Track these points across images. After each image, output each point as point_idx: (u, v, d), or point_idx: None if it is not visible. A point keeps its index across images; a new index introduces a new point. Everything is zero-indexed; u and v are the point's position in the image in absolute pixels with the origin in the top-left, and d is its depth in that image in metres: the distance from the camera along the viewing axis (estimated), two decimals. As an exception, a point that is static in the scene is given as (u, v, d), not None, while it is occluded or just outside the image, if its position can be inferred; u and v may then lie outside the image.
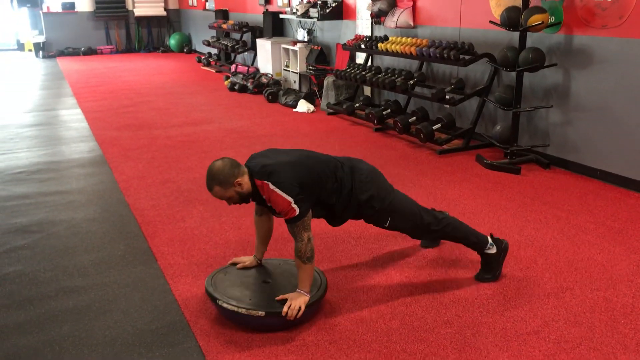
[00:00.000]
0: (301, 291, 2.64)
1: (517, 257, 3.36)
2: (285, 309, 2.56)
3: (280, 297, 2.64)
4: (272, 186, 2.56)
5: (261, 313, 2.57)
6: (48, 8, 15.07)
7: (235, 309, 2.58)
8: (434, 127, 5.71)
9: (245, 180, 2.62)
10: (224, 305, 2.61)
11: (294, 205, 2.55)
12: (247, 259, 3.01)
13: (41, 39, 14.89)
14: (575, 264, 3.27)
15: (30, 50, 15.57)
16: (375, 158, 5.23)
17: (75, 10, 15.14)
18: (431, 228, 2.98)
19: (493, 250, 3.04)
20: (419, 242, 3.56)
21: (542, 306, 2.83)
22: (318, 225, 3.62)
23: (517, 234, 3.68)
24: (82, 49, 15.05)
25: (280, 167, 2.61)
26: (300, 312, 2.58)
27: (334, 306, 2.85)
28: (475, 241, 3.04)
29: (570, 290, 2.98)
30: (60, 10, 15.08)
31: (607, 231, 3.71)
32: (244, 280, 2.85)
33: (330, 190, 2.74)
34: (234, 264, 3.01)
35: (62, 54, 14.94)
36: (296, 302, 2.59)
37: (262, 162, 2.64)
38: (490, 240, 3.06)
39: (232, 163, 2.63)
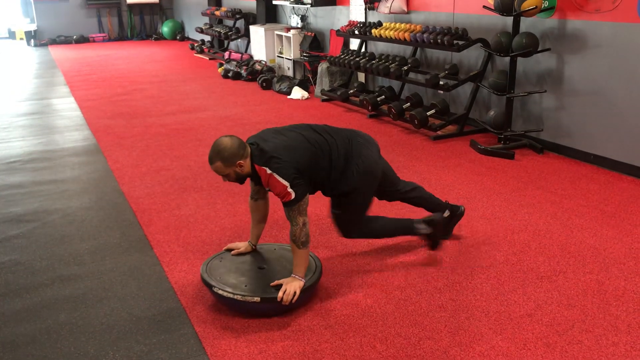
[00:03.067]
0: (296, 276, 2.66)
1: (511, 241, 3.39)
2: (280, 294, 2.58)
3: (275, 282, 2.67)
4: (269, 171, 2.61)
5: (257, 299, 2.59)
6: (39, -5, 14.94)
7: (231, 295, 2.60)
8: (428, 113, 5.71)
9: (247, 163, 2.66)
10: (220, 292, 2.63)
11: (290, 190, 2.60)
12: (242, 245, 3.03)
13: (33, 27, 14.77)
14: (568, 247, 3.30)
15: (21, 39, 15.44)
16: (370, 144, 5.24)
17: (67, -3, 15.01)
18: (358, 227, 3.02)
19: (446, 214, 3.30)
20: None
21: (535, 289, 2.86)
22: (313, 212, 3.64)
23: (510, 219, 3.70)
24: (75, 37, 14.94)
25: (277, 152, 2.64)
26: (295, 297, 2.60)
27: (329, 291, 2.87)
28: (406, 231, 3.16)
29: (563, 274, 3.01)
30: (51, -3, 14.94)
31: (600, 215, 3.74)
32: (239, 266, 2.87)
33: (323, 170, 2.79)
34: (229, 250, 3.02)
35: (54, 42, 14.83)
36: (291, 287, 2.61)
37: (262, 147, 2.67)
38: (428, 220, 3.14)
39: (240, 144, 2.65)
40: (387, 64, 6.28)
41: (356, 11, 7.57)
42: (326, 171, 2.79)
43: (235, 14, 10.67)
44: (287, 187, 2.59)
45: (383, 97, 6.47)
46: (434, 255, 3.23)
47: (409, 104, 6.08)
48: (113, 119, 6.65)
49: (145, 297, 2.88)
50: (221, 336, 2.54)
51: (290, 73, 8.84)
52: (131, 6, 15.56)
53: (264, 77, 8.42)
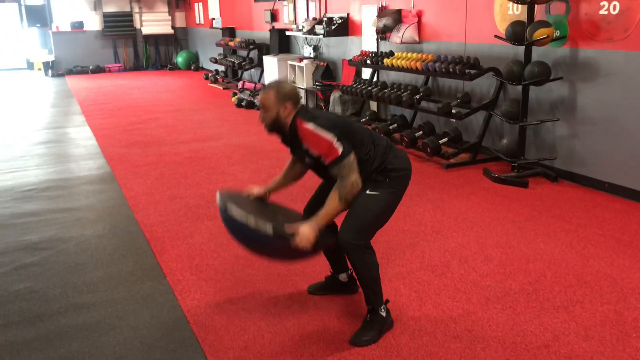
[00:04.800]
0: (313, 224, 2.51)
1: (526, 270, 3.35)
2: (297, 239, 2.46)
3: (292, 227, 2.50)
4: (312, 126, 2.52)
5: (269, 230, 2.43)
6: (57, 27, 15.27)
7: (244, 220, 2.44)
8: (441, 141, 5.72)
9: (290, 113, 2.60)
10: (234, 212, 2.46)
11: (336, 144, 2.48)
12: (257, 189, 2.93)
13: (50, 57, 15.07)
14: (584, 277, 3.26)
15: (39, 69, 15.73)
16: (383, 173, 5.24)
17: (84, 29, 15.33)
18: (360, 241, 2.61)
19: (384, 313, 2.73)
20: (424, 256, 3.56)
21: (552, 320, 2.82)
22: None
23: (525, 247, 3.67)
24: (91, 67, 15.21)
25: (325, 116, 2.61)
26: (309, 244, 2.48)
27: (342, 323, 2.85)
28: (376, 292, 2.71)
29: (580, 304, 2.96)
30: (69, 29, 15.26)
31: (617, 244, 3.69)
32: (256, 206, 2.75)
33: (361, 159, 2.63)
34: (246, 194, 2.92)
35: (70, 72, 15.10)
36: (306, 235, 2.48)
37: (311, 110, 2.67)
38: (384, 305, 2.76)
39: (297, 94, 2.65)
40: (399, 92, 6.32)
41: (368, 41, 7.65)
42: (367, 157, 2.63)
43: (249, 44, 10.82)
44: (332, 142, 2.48)
45: (395, 125, 6.50)
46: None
47: (421, 132, 6.09)
48: (128, 147, 6.72)
49: (158, 325, 2.87)
50: (234, 366, 2.52)
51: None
52: (147, 37, 15.84)
53: (277, 106, 8.49)
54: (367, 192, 2.62)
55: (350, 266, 2.85)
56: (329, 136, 2.50)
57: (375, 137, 2.70)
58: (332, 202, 2.55)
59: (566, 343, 2.62)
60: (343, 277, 3.08)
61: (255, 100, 9.10)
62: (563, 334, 2.70)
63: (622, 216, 4.18)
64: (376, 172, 2.64)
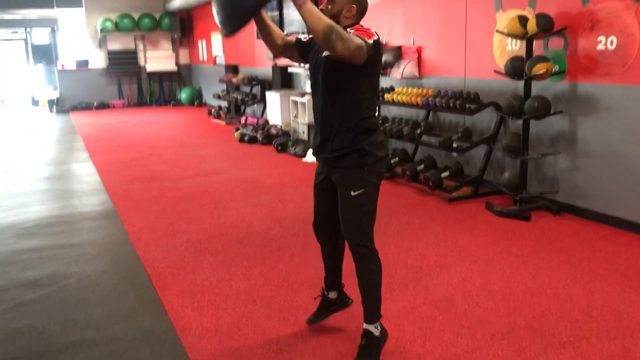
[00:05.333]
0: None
1: (531, 305, 3.32)
2: None
3: None
4: (373, 30, 2.49)
5: None
6: (63, 65, 15.49)
7: None
8: (443, 175, 5.73)
9: (352, 17, 2.56)
10: None
11: (372, 42, 2.43)
12: None
13: (55, 94, 15.24)
14: (590, 312, 3.22)
15: (44, 106, 15.91)
16: (385, 206, 5.24)
17: (89, 67, 15.55)
18: (367, 241, 2.68)
19: (377, 332, 2.73)
20: (427, 291, 3.53)
21: (558, 356, 2.77)
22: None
23: (529, 282, 3.64)
24: (95, 103, 15.36)
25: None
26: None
27: (346, 356, 2.81)
28: (376, 301, 2.74)
29: (587, 339, 2.92)
30: (74, 67, 15.48)
31: (621, 278, 3.66)
32: None
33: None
34: None
35: (75, 108, 15.25)
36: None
37: None
38: (379, 321, 2.77)
39: (366, 7, 2.60)
40: (400, 127, 6.36)
41: (369, 77, 7.73)
42: (369, 102, 2.62)
43: (252, 80, 10.96)
44: (373, 36, 2.44)
45: (397, 159, 6.52)
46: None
47: (423, 166, 6.11)
48: (130, 183, 6.74)
49: (159, 363, 2.83)
50: (235, 404, 2.48)
51: (305, 137, 8.97)
52: (151, 74, 16.05)
53: (280, 140, 8.55)
54: (352, 193, 2.63)
55: (357, 275, 2.80)
56: (374, 38, 2.45)
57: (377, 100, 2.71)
58: (327, 19, 2.36)
59: (573, 379, 2.58)
60: (333, 294, 3.11)
61: (258, 136, 9.17)
62: (569, 370, 2.65)
63: (626, 250, 4.15)
64: (362, 133, 2.60)
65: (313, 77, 2.74)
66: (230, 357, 2.85)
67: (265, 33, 2.75)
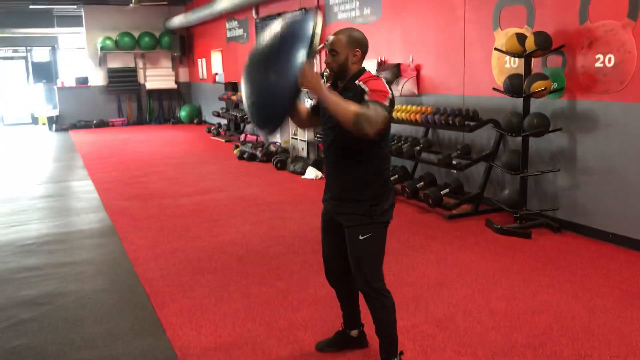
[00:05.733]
0: (324, 86, 2.40)
1: (532, 322, 3.29)
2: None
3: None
4: (384, 81, 2.50)
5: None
6: (62, 83, 15.55)
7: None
8: (442, 192, 5.73)
9: (359, 60, 2.56)
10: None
11: (387, 100, 2.44)
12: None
13: (55, 112, 15.28)
14: (592, 329, 3.20)
15: (44, 124, 15.94)
16: (384, 224, 5.22)
17: (89, 84, 15.60)
18: (378, 284, 2.65)
19: None
20: (428, 309, 3.50)
21: (560, 375, 2.75)
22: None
23: (530, 299, 3.61)
24: (94, 121, 15.39)
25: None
26: (308, 80, 2.35)
27: (346, 377, 2.77)
28: (393, 339, 2.72)
29: (589, 357, 2.90)
30: (74, 85, 15.54)
31: (623, 295, 3.64)
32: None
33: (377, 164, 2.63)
34: None
35: (74, 126, 15.27)
36: (310, 73, 2.35)
37: None
38: (399, 356, 2.74)
39: (367, 44, 2.59)
40: (399, 144, 6.37)
41: (368, 94, 7.75)
42: (382, 144, 2.61)
43: (251, 98, 10.97)
44: (388, 94, 2.44)
45: (396, 176, 6.52)
46: None
47: (422, 183, 6.11)
48: (129, 200, 6.73)
49: (157, 383, 2.80)
50: None
51: (304, 154, 8.98)
52: (150, 92, 16.10)
53: (279, 158, 8.56)
54: (360, 237, 2.61)
55: (371, 317, 2.75)
56: (389, 91, 2.46)
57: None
58: (349, 104, 2.38)
59: (576, 399, 2.55)
60: (354, 333, 3.03)
61: (257, 153, 9.17)
62: (572, 389, 2.62)
63: (627, 267, 4.13)
64: (371, 177, 2.60)
65: (325, 130, 2.71)
66: (229, 377, 2.82)
67: (294, 116, 2.80)
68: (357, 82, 2.53)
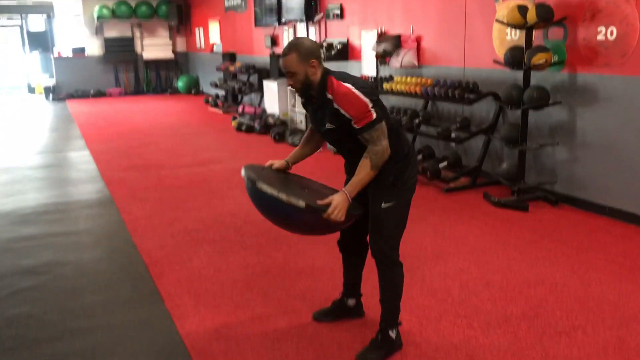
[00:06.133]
0: (346, 192, 2.46)
1: (527, 294, 3.32)
2: (330, 210, 2.40)
3: (326, 201, 2.43)
4: (352, 87, 2.42)
5: (302, 203, 2.35)
6: (59, 53, 15.40)
7: (276, 194, 2.37)
8: (441, 166, 5.72)
9: (319, 70, 2.50)
10: (264, 187, 2.39)
11: (372, 110, 2.40)
12: (278, 162, 2.86)
13: (51, 82, 15.16)
14: (586, 302, 3.23)
15: (40, 94, 15.83)
16: (382, 196, 5.23)
17: (85, 54, 15.45)
18: (393, 253, 2.67)
19: (393, 335, 2.73)
20: (424, 281, 3.53)
21: (553, 345, 2.78)
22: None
23: (526, 272, 3.64)
24: (91, 91, 15.29)
25: (359, 80, 2.49)
26: (342, 214, 2.42)
27: (341, 345, 2.81)
28: (395, 309, 2.74)
29: (582, 329, 2.93)
30: (70, 54, 15.39)
31: (618, 268, 3.67)
32: (282, 180, 2.69)
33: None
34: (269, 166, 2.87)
35: (71, 96, 15.18)
36: (340, 205, 2.42)
37: (337, 72, 2.54)
38: (397, 327, 2.76)
39: (319, 47, 2.51)
40: (398, 117, 6.34)
41: (368, 66, 7.71)
42: (390, 128, 2.54)
43: (249, 69, 10.90)
44: (368, 104, 2.39)
45: (395, 149, 6.50)
46: None
47: (421, 156, 6.10)
48: (127, 171, 6.72)
49: (156, 351, 2.83)
50: (232, 393, 2.48)
51: (302, 126, 8.95)
52: (148, 62, 15.96)
53: (277, 130, 8.53)
54: (383, 205, 2.59)
55: (379, 284, 2.76)
56: (365, 99, 2.41)
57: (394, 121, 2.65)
58: (364, 169, 2.46)
59: (569, 369, 2.59)
60: (351, 302, 3.06)
61: (255, 125, 9.14)
62: (565, 359, 2.66)
63: (623, 240, 4.16)
64: (391, 158, 2.54)
65: (323, 134, 2.70)
66: (227, 345, 2.85)
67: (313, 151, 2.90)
68: (328, 95, 2.48)
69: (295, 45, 2.49)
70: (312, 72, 2.50)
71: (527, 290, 3.38)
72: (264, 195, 2.41)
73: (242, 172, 2.60)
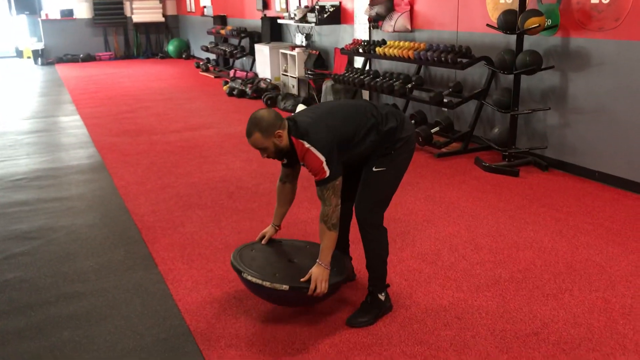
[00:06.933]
0: (321, 263, 2.59)
1: (516, 258, 3.37)
2: (311, 287, 2.56)
3: (306, 277, 2.60)
4: (306, 144, 2.51)
5: (285, 287, 2.56)
6: (47, 15, 15.11)
7: (260, 282, 2.58)
8: (433, 131, 5.73)
9: (285, 135, 2.56)
10: (249, 277, 2.60)
11: (325, 166, 2.50)
12: (267, 230, 2.98)
13: (40, 46, 14.92)
14: (573, 265, 3.28)
15: (29, 57, 15.59)
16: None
17: (74, 17, 15.18)
18: (376, 218, 2.73)
19: (383, 297, 2.80)
20: (415, 244, 3.58)
21: (541, 307, 2.84)
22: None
23: (515, 236, 3.69)
24: (81, 55, 15.07)
25: (316, 127, 2.57)
26: (324, 286, 2.58)
27: (333, 310, 2.86)
28: (382, 274, 2.80)
29: (569, 292, 2.99)
30: (58, 17, 15.11)
31: (606, 232, 3.72)
32: (270, 257, 2.85)
33: (366, 128, 2.64)
34: (260, 240, 3.00)
35: (60, 60, 14.97)
36: (319, 278, 2.57)
37: (297, 120, 2.61)
38: (385, 290, 2.84)
39: (276, 114, 2.58)
40: (391, 81, 6.31)
41: (360, 30, 7.62)
42: (369, 131, 2.63)
43: (241, 32, 10.76)
44: (322, 162, 2.49)
45: (387, 114, 6.48)
46: None
47: (413, 121, 6.09)
48: (118, 136, 6.69)
49: (150, 315, 2.87)
50: (225, 354, 2.53)
51: (294, 91, 8.89)
52: (137, 25, 15.71)
53: (269, 95, 8.47)
54: (374, 169, 2.66)
55: (364, 249, 2.81)
56: (320, 156, 2.50)
57: (374, 110, 2.69)
58: (324, 234, 2.59)
59: (555, 330, 2.64)
60: None
61: (247, 90, 9.07)
62: (552, 321, 2.72)
63: (611, 205, 4.21)
64: (381, 143, 2.64)
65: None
66: (220, 309, 2.89)
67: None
68: (296, 153, 2.57)
69: (256, 124, 2.55)
70: (279, 141, 2.57)
71: (515, 254, 3.43)
72: (249, 283, 2.64)
73: (232, 260, 2.78)
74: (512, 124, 5.14)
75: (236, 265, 2.71)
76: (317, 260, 2.60)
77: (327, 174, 2.51)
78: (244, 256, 2.80)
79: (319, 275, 2.57)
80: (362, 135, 2.62)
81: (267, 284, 2.57)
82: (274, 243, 3.00)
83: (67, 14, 15.13)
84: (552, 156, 5.11)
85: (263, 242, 2.95)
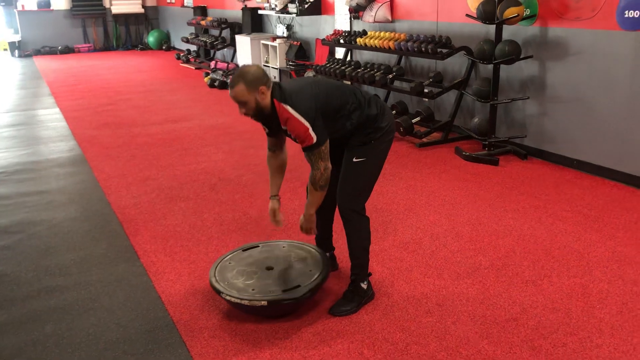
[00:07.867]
0: (307, 214, 2.73)
1: (496, 245, 3.42)
2: (302, 231, 2.79)
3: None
4: (290, 109, 2.49)
5: (263, 303, 2.62)
6: (23, 6, 14.85)
7: (239, 300, 2.64)
8: (413, 121, 5.76)
9: (268, 94, 2.53)
10: (228, 298, 2.67)
11: (312, 132, 2.50)
12: (273, 206, 2.88)
13: (17, 37, 14.68)
14: (552, 251, 3.34)
15: (5, 50, 15.34)
16: (356, 152, 5.26)
17: (51, 8, 14.95)
18: (358, 207, 2.75)
19: (364, 285, 2.83)
20: (396, 233, 3.61)
21: (520, 293, 2.89)
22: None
23: (495, 224, 3.74)
24: (59, 47, 14.86)
25: (300, 88, 2.58)
26: (312, 227, 2.77)
27: (317, 299, 2.88)
28: (364, 263, 2.82)
29: (548, 278, 3.05)
30: (35, 8, 14.87)
31: (584, 219, 3.79)
32: (247, 269, 2.88)
33: (348, 109, 2.65)
34: (242, 249, 3.07)
35: (38, 52, 14.74)
36: (305, 227, 2.77)
37: (282, 85, 2.61)
38: (367, 278, 2.87)
39: (264, 72, 2.56)
40: (372, 72, 6.33)
41: (341, 20, 7.62)
42: (351, 111, 2.64)
43: (221, 23, 10.69)
44: (308, 129, 2.48)
45: (369, 105, 6.50)
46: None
47: (394, 111, 6.12)
48: (99, 129, 6.63)
49: (133, 307, 2.87)
50: (209, 345, 2.55)
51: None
52: (116, 16, 15.52)
53: (250, 86, 8.44)
54: (354, 160, 2.70)
55: (347, 238, 2.83)
56: (305, 122, 2.49)
57: (357, 93, 2.71)
58: (312, 193, 2.66)
59: (534, 315, 2.70)
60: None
61: (228, 81, 9.03)
62: (531, 306, 2.77)
63: (589, 192, 4.28)
64: (363, 126, 2.67)
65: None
66: (203, 300, 2.90)
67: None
68: (277, 115, 2.55)
69: (241, 75, 2.51)
70: (262, 98, 2.53)
71: (495, 242, 3.48)
72: (230, 302, 2.69)
73: (210, 278, 2.82)
74: (492, 114, 5.19)
75: (215, 285, 2.74)
76: (303, 214, 2.76)
77: (314, 139, 2.51)
78: (222, 272, 2.85)
79: (303, 223, 2.76)
80: (347, 111, 2.63)
81: (245, 302, 2.63)
82: (252, 250, 3.06)
83: (44, 5, 14.89)
84: (531, 145, 5.17)
85: (276, 217, 2.88)
